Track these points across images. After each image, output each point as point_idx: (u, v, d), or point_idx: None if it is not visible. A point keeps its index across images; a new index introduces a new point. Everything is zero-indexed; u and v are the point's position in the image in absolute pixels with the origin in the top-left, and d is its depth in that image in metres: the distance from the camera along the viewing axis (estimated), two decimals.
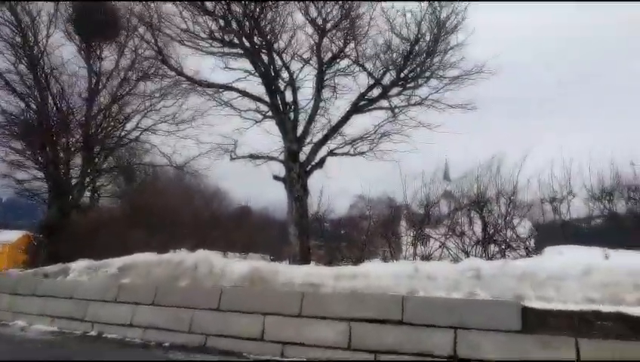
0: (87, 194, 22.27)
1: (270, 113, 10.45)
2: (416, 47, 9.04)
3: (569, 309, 5.28)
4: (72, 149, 16.39)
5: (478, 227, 7.77)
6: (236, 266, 8.59)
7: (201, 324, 7.30)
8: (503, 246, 7.17)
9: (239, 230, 11.37)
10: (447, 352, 5.41)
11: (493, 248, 7.39)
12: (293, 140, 9.94)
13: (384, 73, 9.42)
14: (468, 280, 6.44)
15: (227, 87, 10.19)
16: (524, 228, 7.31)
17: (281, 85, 10.17)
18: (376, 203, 9.29)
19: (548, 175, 7.14)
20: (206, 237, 11.10)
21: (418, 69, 9.18)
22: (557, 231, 6.91)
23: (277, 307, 6.66)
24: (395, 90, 9.61)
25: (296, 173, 9.70)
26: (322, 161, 10.25)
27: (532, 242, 6.94)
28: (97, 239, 12.87)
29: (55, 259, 13.18)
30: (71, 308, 9.25)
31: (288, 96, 10.24)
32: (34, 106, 15.41)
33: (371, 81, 9.56)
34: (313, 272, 7.66)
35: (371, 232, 9.29)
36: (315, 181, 10.28)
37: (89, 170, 17.05)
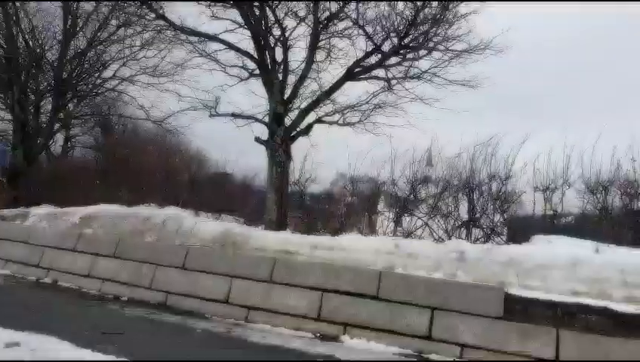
0: (60, 143, 21.35)
1: (257, 71, 9.84)
2: (421, 15, 8.53)
3: (553, 299, 5.04)
4: (42, 92, 15.37)
5: (463, 209, 7.46)
6: (207, 226, 8.15)
7: (164, 282, 6.88)
8: (488, 231, 6.88)
9: (215, 193, 10.83)
10: (421, 332, 5.13)
11: (477, 232, 7.10)
12: (279, 102, 9.39)
13: (384, 39, 8.91)
14: (451, 261, 6.15)
15: (213, 38, 9.51)
16: (512, 214, 7.03)
17: (272, 42, 9.53)
18: (360, 179, 8.87)
19: (545, 161, 6.85)
20: (179, 196, 10.55)
21: (421, 38, 8.68)
22: (546, 221, 6.64)
23: (246, 270, 6.27)
24: (393, 60, 9.12)
25: (280, 138, 9.19)
26: (309, 128, 9.75)
27: (518, 230, 6.66)
28: (65, 188, 12.14)
29: (17, 204, 12.46)
30: (26, 252, 8.70)
31: (278, 55, 9.64)
32: (1, 41, 14.33)
33: (369, 47, 9.04)
34: (289, 239, 7.28)
35: (352, 206, 8.91)
36: (299, 149, 9.79)
37: (59, 116, 16.12)
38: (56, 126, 16.63)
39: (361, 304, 5.48)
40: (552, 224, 6.56)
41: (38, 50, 15.29)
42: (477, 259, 6.05)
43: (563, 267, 5.58)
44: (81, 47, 15.30)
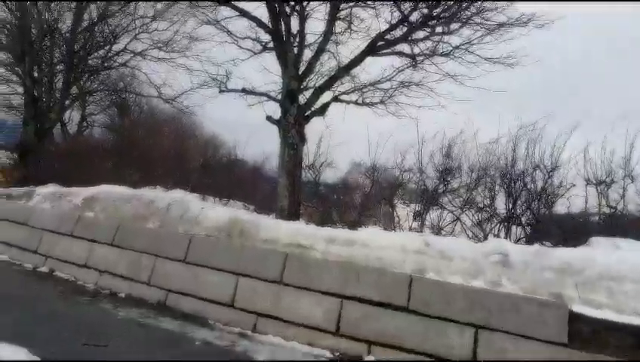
0: (76, 122, 20.38)
1: (271, 44, 8.60)
2: None
3: (634, 323, 3.83)
4: (55, 65, 14.26)
5: (501, 203, 6.24)
6: (214, 213, 7.06)
7: (164, 276, 5.85)
8: (532, 230, 5.67)
9: (226, 178, 9.73)
10: (463, 356, 3.99)
11: (517, 231, 5.89)
12: (293, 77, 8.16)
13: (412, 10, 7.58)
14: (493, 265, 4.97)
15: (226, 1, 8.24)
16: (559, 212, 5.80)
17: (288, 10, 8.24)
18: (382, 166, 7.66)
19: (599, 151, 5.58)
20: (189, 180, 9.49)
21: (454, 8, 7.33)
22: (602, 221, 5.40)
23: (254, 267, 5.19)
24: (421, 34, 7.81)
25: (293, 117, 7.99)
26: (325, 107, 8.53)
27: (568, 229, 5.44)
28: (76, 167, 11.15)
29: (27, 182, 11.52)
30: (25, 235, 7.75)
31: (294, 26, 8.36)
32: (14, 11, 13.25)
33: (395, 19, 7.72)
34: (302, 231, 6.16)
35: (371, 196, 7.71)
36: (314, 131, 8.60)
37: (71, 92, 15.06)
38: (68, 102, 15.55)
39: (389, 316, 4.37)
40: (609, 224, 5.31)
41: (52, 21, 14.15)
42: (524, 263, 4.87)
43: (638, 278, 4.38)
44: (94, 18, 14.14)
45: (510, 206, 5.88)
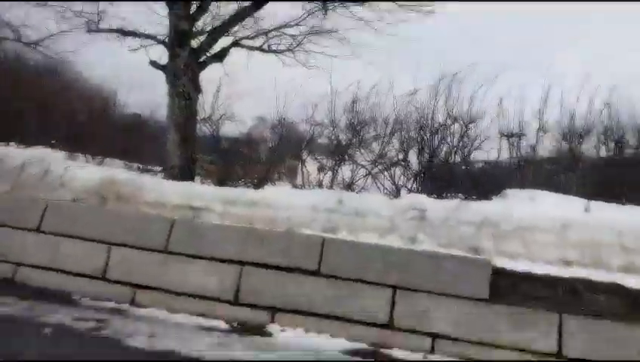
0: None
1: None
2: None
3: (553, 275, 3.78)
4: None
5: (415, 158, 6.03)
6: (83, 173, 5.89)
7: (11, 249, 4.66)
8: (448, 183, 5.52)
9: (103, 133, 8.37)
10: (380, 319, 3.65)
11: (431, 186, 5.72)
12: (183, 16, 7.09)
13: None
14: (409, 221, 4.70)
15: None
16: (474, 164, 5.72)
17: None
18: (290, 119, 7.06)
19: (515, 103, 5.57)
20: (54, 136, 7.99)
21: None
22: (515, 172, 5.42)
23: (133, 236, 4.32)
24: None
25: (185, 62, 6.98)
26: (224, 53, 7.60)
27: (484, 183, 5.38)
28: None
29: None
30: None
31: None
32: None
33: None
34: (195, 191, 5.36)
35: (279, 151, 7.11)
36: (211, 81, 7.64)
37: None
38: None
39: (297, 282, 3.85)
40: (522, 176, 5.34)
41: None
42: (442, 219, 4.66)
43: (551, 230, 4.37)
44: None
45: (425, 159, 5.66)
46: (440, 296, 3.63)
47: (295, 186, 6.08)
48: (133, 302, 4.01)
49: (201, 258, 4.06)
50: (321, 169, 6.34)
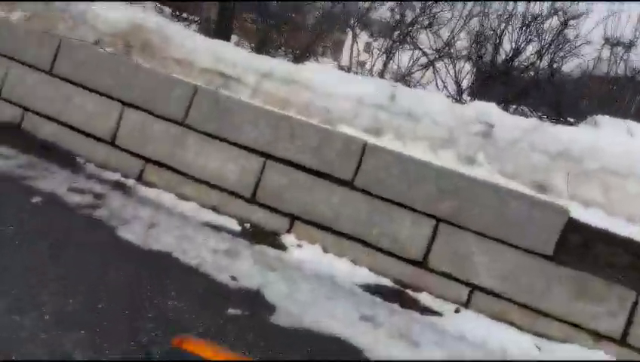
0: None
1: None
2: None
3: (636, 240, 2.88)
4: None
5: (493, 54, 4.71)
6: (108, 12, 4.93)
7: (21, 89, 4.02)
8: (524, 95, 4.33)
9: None
10: (414, 254, 2.97)
11: (504, 92, 4.53)
12: None
13: None
14: (471, 137, 3.73)
15: None
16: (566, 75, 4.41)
17: None
18: None
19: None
20: None
21: None
22: (617, 94, 4.15)
23: (150, 98, 3.56)
24: None
25: None
26: None
27: (570, 100, 4.16)
28: None
29: None
30: None
31: None
32: None
33: None
34: (228, 55, 4.40)
35: (329, 20, 5.82)
36: None
37: None
38: None
39: (325, 190, 3.12)
40: (623, 100, 4.10)
41: None
42: (511, 140, 3.66)
43: None
44: None
45: (504, 58, 4.39)
46: (491, 240, 2.87)
47: (341, 67, 4.99)
48: (140, 179, 3.42)
49: (221, 140, 3.32)
50: (373, 49, 5.14)
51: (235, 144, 3.28)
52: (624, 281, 2.79)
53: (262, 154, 3.23)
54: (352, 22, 5.61)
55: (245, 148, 3.26)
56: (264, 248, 2.83)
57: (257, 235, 3.00)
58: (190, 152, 3.35)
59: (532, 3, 4.26)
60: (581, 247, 2.91)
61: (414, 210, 2.98)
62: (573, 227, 2.92)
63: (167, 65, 4.31)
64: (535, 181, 3.51)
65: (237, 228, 3.05)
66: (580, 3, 4.29)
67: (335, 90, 4.11)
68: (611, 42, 4.40)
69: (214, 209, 3.21)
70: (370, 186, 3.05)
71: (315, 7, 6.43)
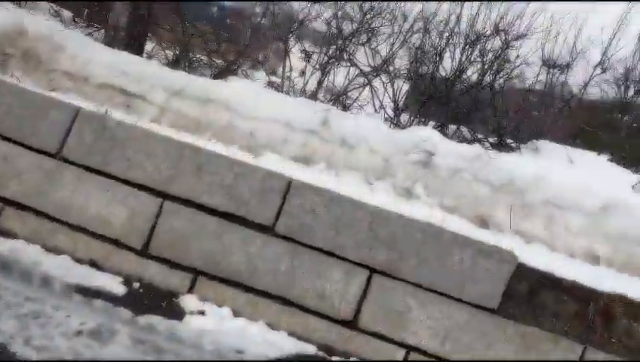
0: None
1: None
2: None
3: (586, 286, 2.50)
4: None
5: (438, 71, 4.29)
6: None
7: None
8: (465, 117, 3.94)
9: None
10: (343, 313, 2.40)
11: (441, 113, 4.12)
12: None
13: None
14: (409, 166, 3.24)
15: None
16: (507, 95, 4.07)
17: None
18: None
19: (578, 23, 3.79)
20: None
21: None
22: (554, 117, 3.85)
23: (21, 125, 2.70)
24: None
25: None
26: None
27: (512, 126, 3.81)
28: None
29: None
30: None
31: None
32: None
33: None
34: (134, 69, 3.63)
35: (264, 29, 5.17)
36: None
37: None
38: None
39: (239, 238, 2.47)
40: (559, 124, 3.82)
41: None
42: (453, 170, 3.21)
43: (589, 210, 3.01)
44: None
45: (448, 76, 3.97)
46: (432, 293, 2.36)
47: (271, 85, 4.36)
48: None
49: (107, 175, 2.57)
50: (306, 65, 4.57)
51: (124, 181, 2.55)
52: (571, 332, 2.40)
53: (159, 193, 2.52)
54: (284, 34, 4.99)
55: (138, 185, 2.54)
56: (152, 320, 2.12)
57: (147, 299, 2.28)
58: (65, 191, 2.56)
59: (475, 21, 3.89)
60: (528, 296, 2.47)
61: (345, 260, 2.41)
62: (520, 274, 2.49)
63: (55, 79, 3.47)
64: (477, 215, 3.08)
65: (121, 289, 2.30)
66: (519, 23, 3.96)
67: (261, 112, 3.49)
68: (548, 64, 4.14)
69: (94, 264, 2.45)
70: (295, 232, 2.44)
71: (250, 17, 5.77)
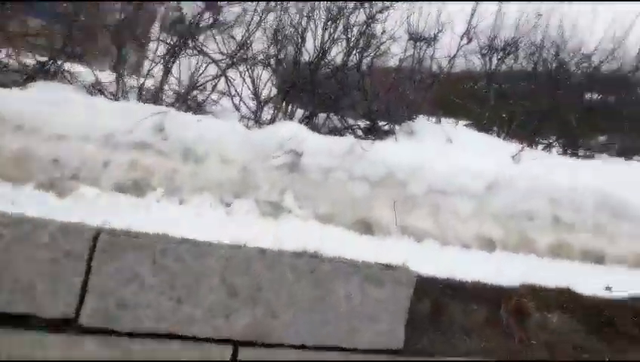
0: None
1: None
2: None
3: (490, 283, 2.11)
4: None
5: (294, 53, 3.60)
6: None
7: None
8: (333, 103, 3.34)
9: None
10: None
11: (306, 99, 3.48)
12: None
13: None
14: (273, 172, 2.54)
15: None
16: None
17: None
18: None
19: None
20: None
21: None
22: (424, 92, 3.45)
23: None
24: None
25: None
26: None
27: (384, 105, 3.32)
28: None
29: None
30: None
31: None
32: None
33: None
34: None
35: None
36: None
37: None
38: None
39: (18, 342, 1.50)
40: (431, 98, 3.43)
41: None
42: (325, 170, 2.59)
43: (475, 193, 2.65)
44: None
45: (311, 59, 3.31)
46: (320, 351, 1.71)
47: (95, 87, 3.23)
48: None
49: None
50: (142, 59, 3.53)
51: None
52: (487, 347, 1.99)
53: None
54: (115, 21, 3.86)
55: None
56: None
57: None
58: None
59: None
60: (433, 317, 1.99)
61: (196, 340, 1.62)
62: (421, 290, 1.98)
63: None
64: (359, 219, 2.52)
65: None
66: None
67: (72, 128, 2.44)
68: (415, 37, 3.72)
69: None
70: (110, 321, 1.57)
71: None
